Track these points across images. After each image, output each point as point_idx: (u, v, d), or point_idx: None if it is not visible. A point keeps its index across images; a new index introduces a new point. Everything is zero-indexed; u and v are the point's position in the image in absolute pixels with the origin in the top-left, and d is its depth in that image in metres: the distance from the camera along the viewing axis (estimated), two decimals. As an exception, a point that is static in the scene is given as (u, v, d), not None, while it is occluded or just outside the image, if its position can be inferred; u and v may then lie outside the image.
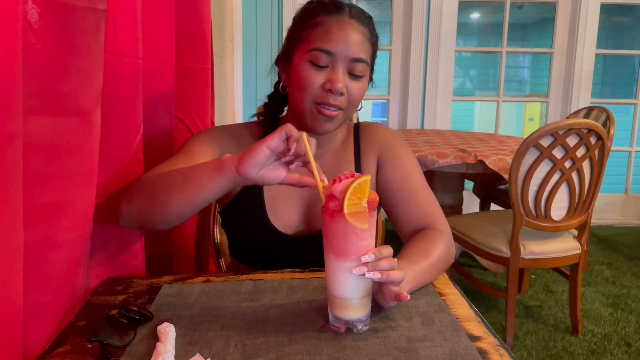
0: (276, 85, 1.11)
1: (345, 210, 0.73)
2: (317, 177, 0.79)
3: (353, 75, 0.99)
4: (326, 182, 0.79)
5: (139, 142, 1.03)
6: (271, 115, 1.12)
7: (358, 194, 0.74)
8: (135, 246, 1.06)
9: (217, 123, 1.53)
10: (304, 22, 1.01)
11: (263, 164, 0.79)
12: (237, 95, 2.78)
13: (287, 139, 0.78)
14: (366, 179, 0.74)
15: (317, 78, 0.97)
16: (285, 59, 1.05)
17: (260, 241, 1.08)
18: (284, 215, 1.08)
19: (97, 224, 0.90)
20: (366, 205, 0.75)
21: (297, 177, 0.82)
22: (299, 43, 1.01)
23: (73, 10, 0.73)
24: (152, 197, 0.88)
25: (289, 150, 0.78)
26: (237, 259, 1.15)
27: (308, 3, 1.04)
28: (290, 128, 0.78)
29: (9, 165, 0.61)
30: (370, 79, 1.07)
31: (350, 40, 0.97)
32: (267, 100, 1.14)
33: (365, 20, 1.02)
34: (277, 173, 0.81)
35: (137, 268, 1.07)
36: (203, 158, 0.98)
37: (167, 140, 1.25)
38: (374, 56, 1.06)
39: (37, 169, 0.72)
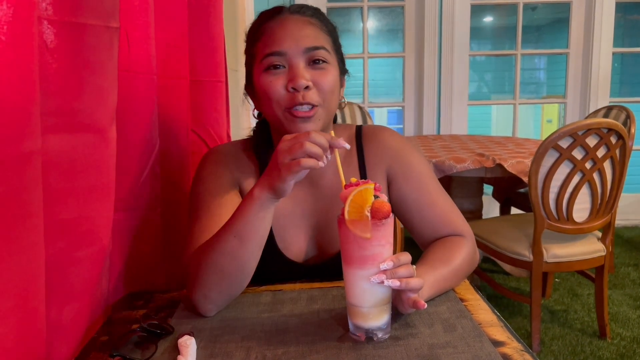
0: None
1: (346, 216, 0.73)
2: (342, 176, 0.80)
3: (314, 64, 0.94)
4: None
5: (156, 157, 1.04)
6: (260, 137, 1.08)
7: (359, 201, 0.73)
8: (155, 260, 1.07)
9: (233, 135, 1.54)
10: (250, 38, 0.99)
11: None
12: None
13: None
14: (367, 187, 0.73)
15: (277, 82, 0.92)
16: (249, 83, 1.02)
17: (270, 270, 1.02)
18: (294, 243, 1.04)
19: (116, 239, 0.91)
20: (368, 214, 0.73)
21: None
22: (252, 60, 0.98)
23: (87, 29, 0.74)
24: (223, 275, 0.85)
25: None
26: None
27: (251, 22, 1.02)
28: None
29: (29, 182, 0.62)
30: (345, 71, 1.03)
31: (296, 34, 0.93)
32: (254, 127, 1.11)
33: (309, 11, 0.98)
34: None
35: (157, 282, 1.08)
36: (225, 197, 0.97)
37: (184, 154, 1.26)
38: (336, 44, 1.00)
39: (56, 186, 0.73)
